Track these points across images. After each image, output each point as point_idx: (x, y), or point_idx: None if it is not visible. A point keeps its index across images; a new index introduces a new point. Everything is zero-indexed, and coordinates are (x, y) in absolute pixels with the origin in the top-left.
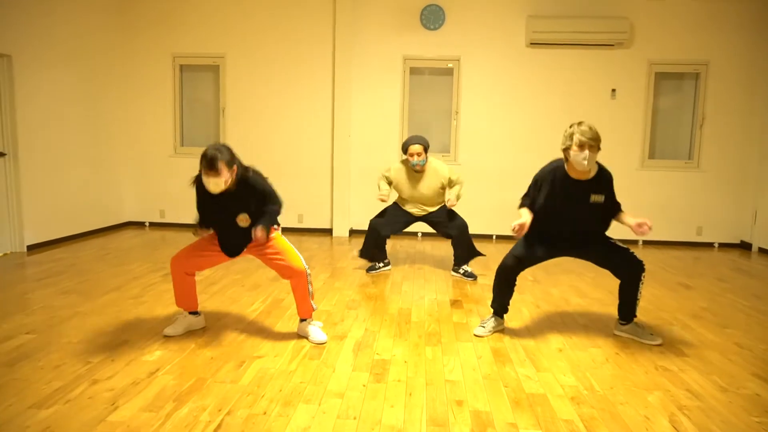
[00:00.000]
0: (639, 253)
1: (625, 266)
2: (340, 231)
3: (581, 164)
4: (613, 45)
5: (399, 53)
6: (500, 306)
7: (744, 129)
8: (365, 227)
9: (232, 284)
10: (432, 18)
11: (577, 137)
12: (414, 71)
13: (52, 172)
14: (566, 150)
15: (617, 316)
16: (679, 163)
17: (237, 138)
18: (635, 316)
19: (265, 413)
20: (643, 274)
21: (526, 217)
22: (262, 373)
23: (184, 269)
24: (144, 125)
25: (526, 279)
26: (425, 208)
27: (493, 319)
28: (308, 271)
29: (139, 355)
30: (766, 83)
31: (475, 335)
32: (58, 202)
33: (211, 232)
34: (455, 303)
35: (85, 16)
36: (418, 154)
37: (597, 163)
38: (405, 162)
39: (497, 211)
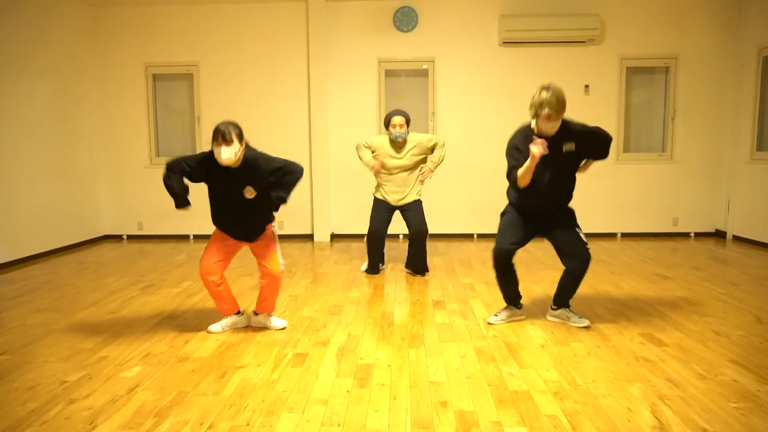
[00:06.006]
0: (617, 245)
1: (576, 260)
2: (321, 236)
3: (548, 132)
4: (584, 42)
5: (374, 56)
6: (508, 296)
7: (714, 120)
8: (346, 231)
9: None
10: (405, 20)
11: (546, 111)
12: (389, 73)
13: (25, 186)
14: (535, 116)
15: (552, 302)
16: (653, 156)
17: None
18: (568, 303)
19: (248, 424)
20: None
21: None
22: (244, 384)
23: (210, 274)
24: (118, 136)
25: None
26: (403, 190)
27: (505, 309)
28: (281, 271)
29: (117, 372)
30: (733, 75)
31: (488, 323)
32: (32, 218)
33: (190, 207)
34: (438, 304)
35: (56, 27)
36: (401, 126)
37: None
38: (387, 135)
39: (477, 211)
